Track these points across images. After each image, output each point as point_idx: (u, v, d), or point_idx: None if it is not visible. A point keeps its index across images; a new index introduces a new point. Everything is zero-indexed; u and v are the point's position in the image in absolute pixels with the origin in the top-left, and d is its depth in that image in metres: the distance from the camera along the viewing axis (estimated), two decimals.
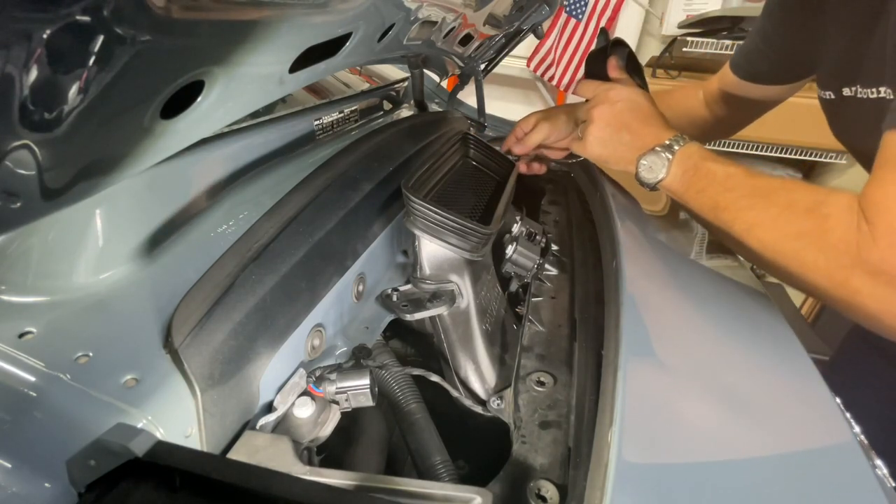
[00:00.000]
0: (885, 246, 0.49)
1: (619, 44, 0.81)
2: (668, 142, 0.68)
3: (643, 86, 0.80)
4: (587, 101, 0.77)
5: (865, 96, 0.69)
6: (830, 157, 2.18)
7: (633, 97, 0.73)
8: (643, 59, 2.64)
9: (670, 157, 0.67)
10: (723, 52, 2.13)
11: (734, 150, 2.25)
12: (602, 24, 2.66)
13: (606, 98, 0.74)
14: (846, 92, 0.73)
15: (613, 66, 0.78)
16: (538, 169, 0.93)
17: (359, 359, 0.51)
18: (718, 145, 2.25)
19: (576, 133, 0.79)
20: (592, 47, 0.84)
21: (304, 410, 0.44)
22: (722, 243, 0.71)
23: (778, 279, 0.62)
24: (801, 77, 0.93)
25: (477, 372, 0.59)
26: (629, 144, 0.71)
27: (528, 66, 2.90)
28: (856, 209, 0.52)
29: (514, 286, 0.74)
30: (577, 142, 0.77)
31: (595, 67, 0.79)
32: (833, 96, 0.77)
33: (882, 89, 0.65)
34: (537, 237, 0.74)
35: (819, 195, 0.56)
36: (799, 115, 2.04)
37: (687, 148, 0.68)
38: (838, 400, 0.48)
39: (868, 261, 0.50)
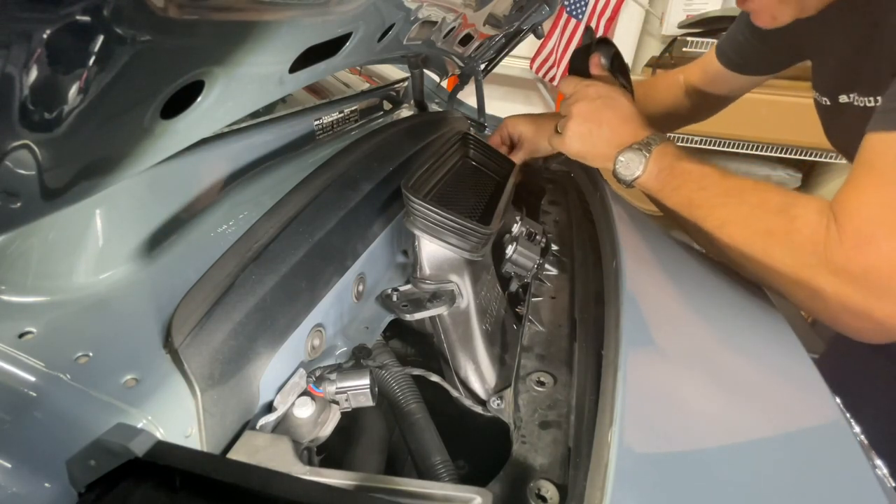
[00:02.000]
0: (850, 247, 0.51)
1: (605, 42, 0.82)
2: (645, 140, 0.70)
3: (627, 86, 0.81)
4: (568, 97, 0.78)
5: (863, 104, 0.69)
6: (830, 157, 2.19)
7: (611, 94, 0.74)
8: (643, 59, 2.65)
9: (647, 154, 0.69)
10: None
11: (735, 150, 2.25)
12: (603, 23, 2.66)
13: (586, 94, 0.74)
14: (843, 98, 0.74)
15: (595, 64, 0.78)
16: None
17: (359, 359, 0.51)
18: (718, 145, 2.25)
19: (556, 128, 0.80)
20: (578, 45, 0.85)
21: (304, 410, 0.44)
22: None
23: (747, 276, 0.65)
24: (790, 65, 0.93)
25: (477, 372, 0.59)
26: (607, 141, 0.73)
27: (530, 67, 2.90)
28: (825, 212, 0.54)
29: (514, 286, 0.74)
30: (557, 137, 0.78)
31: (578, 65, 0.80)
32: (829, 102, 0.77)
33: (880, 98, 0.65)
34: (537, 237, 0.74)
35: (789, 197, 0.58)
36: (799, 115, 2.04)
37: (663, 147, 0.69)
38: (838, 400, 0.48)
39: (832, 261, 0.52)
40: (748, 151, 2.24)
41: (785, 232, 0.56)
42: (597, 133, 0.74)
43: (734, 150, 2.24)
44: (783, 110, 2.01)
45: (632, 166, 0.70)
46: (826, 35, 0.76)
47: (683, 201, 0.66)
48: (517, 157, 0.92)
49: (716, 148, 2.25)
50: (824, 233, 0.53)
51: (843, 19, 0.72)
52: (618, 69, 0.81)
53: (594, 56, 0.78)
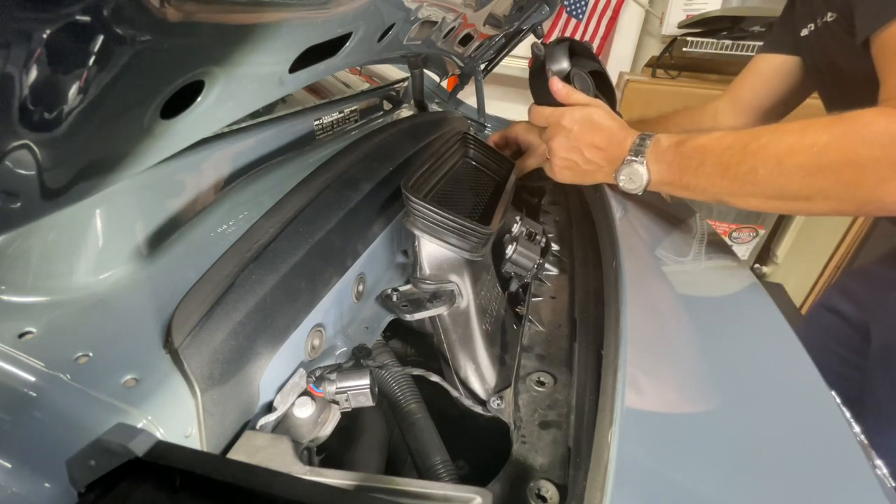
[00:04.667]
0: None
1: (558, 44, 0.78)
2: (633, 149, 0.68)
3: (599, 65, 0.79)
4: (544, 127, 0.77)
5: (825, 21, 0.74)
6: None
7: (585, 118, 0.72)
8: (643, 59, 2.65)
9: (643, 158, 0.68)
10: (723, 52, 2.13)
11: None
12: (603, 23, 2.65)
13: (560, 128, 0.73)
14: (811, 27, 0.78)
15: (557, 90, 0.75)
16: None
17: (359, 359, 0.51)
18: None
19: (547, 157, 0.78)
20: (532, 67, 0.81)
21: (304, 410, 0.44)
22: (749, 211, 0.73)
23: (825, 209, 0.59)
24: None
25: (477, 372, 0.59)
26: (598, 164, 0.72)
27: (529, 67, 2.90)
28: (882, 106, 0.54)
29: (514, 286, 0.74)
30: (548, 166, 0.77)
31: (540, 90, 0.77)
32: (807, 32, 0.81)
33: (832, 14, 0.70)
34: (537, 237, 0.74)
35: (828, 117, 0.56)
36: (799, 116, 2.04)
37: (655, 144, 0.68)
38: (838, 400, 0.48)
39: None
40: None
41: (857, 132, 0.54)
42: (584, 161, 0.73)
43: None
44: None
45: (635, 178, 0.69)
46: None
47: (716, 170, 0.62)
48: (527, 164, 0.92)
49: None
50: None
51: None
52: (579, 53, 0.78)
53: (552, 81, 0.75)
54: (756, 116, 1.00)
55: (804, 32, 0.84)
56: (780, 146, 0.58)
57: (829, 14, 0.75)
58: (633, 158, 0.68)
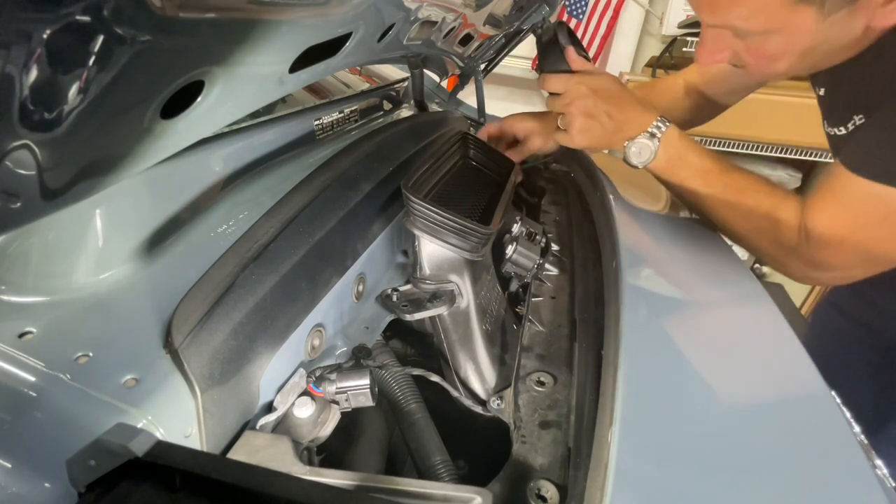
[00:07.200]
0: (814, 249, 0.70)
1: (559, 26, 0.82)
2: (651, 129, 0.76)
3: (586, 57, 0.83)
4: (557, 94, 0.80)
5: (833, 133, 0.77)
6: (830, 158, 2.18)
7: (606, 85, 0.78)
8: (643, 59, 2.65)
9: (657, 143, 0.76)
10: None
11: (735, 150, 2.25)
12: (603, 23, 2.65)
13: (580, 91, 0.77)
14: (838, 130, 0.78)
15: (574, 58, 0.80)
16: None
17: (359, 359, 0.51)
18: (718, 145, 2.25)
19: (557, 126, 0.83)
20: (541, 39, 0.85)
21: (304, 410, 0.44)
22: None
23: (749, 251, 0.82)
24: None
25: (477, 372, 0.59)
26: (613, 131, 0.78)
27: (532, 68, 2.90)
28: (801, 216, 0.70)
29: (514, 286, 0.74)
30: (562, 134, 0.81)
31: (552, 60, 0.81)
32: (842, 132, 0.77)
33: (843, 128, 0.73)
34: (537, 237, 0.74)
35: (776, 199, 0.73)
36: (799, 116, 2.04)
37: (669, 133, 0.77)
38: (838, 399, 0.49)
39: (802, 255, 0.72)
40: (748, 151, 2.23)
41: (771, 231, 0.74)
42: (601, 127, 0.77)
43: (734, 150, 2.24)
44: (783, 110, 2.01)
45: (643, 154, 0.77)
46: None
47: (691, 192, 0.78)
48: (532, 146, 0.94)
49: (716, 148, 2.25)
50: (797, 236, 0.71)
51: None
52: (577, 44, 0.83)
53: (569, 49, 0.79)
54: (720, 92, 1.03)
55: None
56: (738, 208, 0.76)
57: None
58: (648, 138, 0.76)
